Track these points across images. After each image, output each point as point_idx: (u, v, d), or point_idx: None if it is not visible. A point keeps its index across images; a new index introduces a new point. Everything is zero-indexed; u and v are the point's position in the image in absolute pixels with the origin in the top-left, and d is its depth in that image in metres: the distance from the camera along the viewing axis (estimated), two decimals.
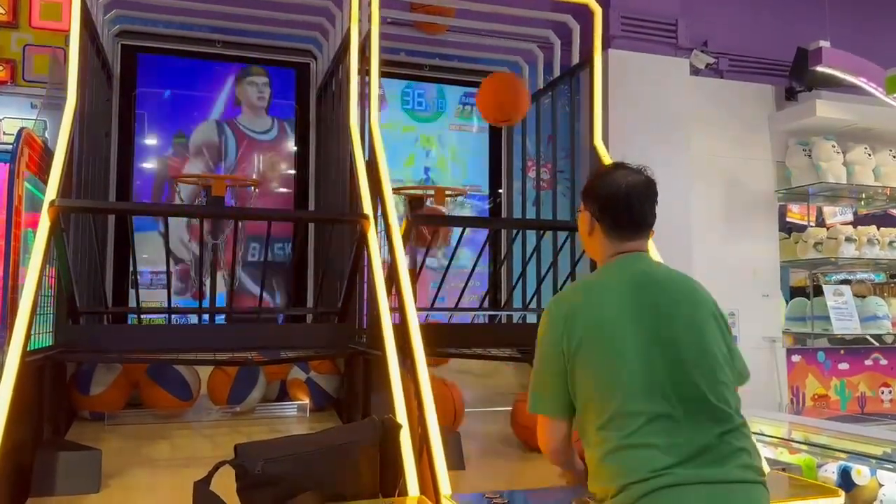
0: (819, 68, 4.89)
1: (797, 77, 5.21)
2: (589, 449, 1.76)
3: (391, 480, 2.15)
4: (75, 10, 2.88)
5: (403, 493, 2.10)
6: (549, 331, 1.83)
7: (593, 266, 3.44)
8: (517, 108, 3.86)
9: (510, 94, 3.81)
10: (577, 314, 1.80)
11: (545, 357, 1.83)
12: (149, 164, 4.24)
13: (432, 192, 4.24)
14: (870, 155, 5.33)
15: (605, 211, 1.91)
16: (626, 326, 1.76)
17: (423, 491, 2.12)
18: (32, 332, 2.28)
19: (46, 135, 3.54)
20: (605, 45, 4.15)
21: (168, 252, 2.77)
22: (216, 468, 1.87)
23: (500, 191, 4.92)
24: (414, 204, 4.21)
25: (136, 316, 3.40)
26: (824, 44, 4.87)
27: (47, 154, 2.86)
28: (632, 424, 1.67)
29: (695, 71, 5.09)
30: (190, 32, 4.30)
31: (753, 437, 2.35)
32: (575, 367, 1.77)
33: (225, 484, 1.88)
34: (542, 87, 4.45)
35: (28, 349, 2.21)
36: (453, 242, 3.88)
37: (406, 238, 3.16)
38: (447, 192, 4.28)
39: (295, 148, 4.52)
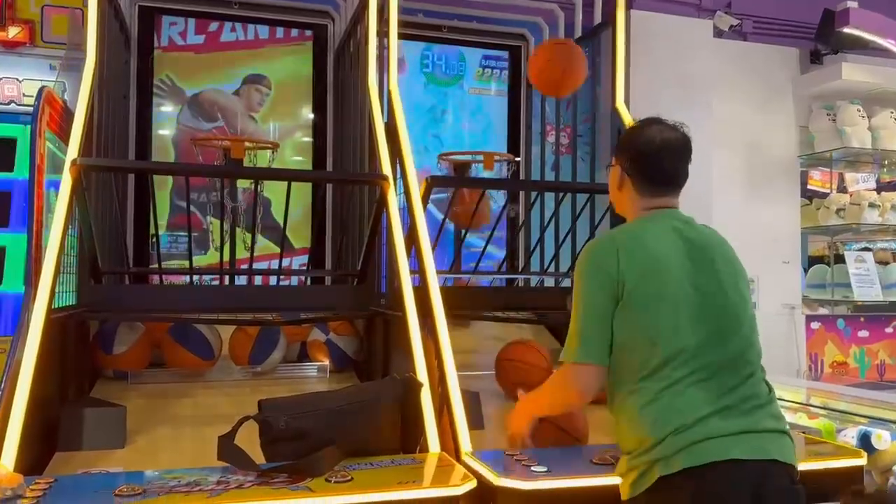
0: (846, 30, 4.78)
1: (823, 39, 5.09)
2: (627, 398, 1.73)
3: (412, 437, 2.17)
4: None
5: (424, 449, 2.11)
6: (597, 271, 1.75)
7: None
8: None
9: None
10: (629, 255, 1.74)
11: (592, 302, 1.74)
12: (165, 129, 4.24)
13: (481, 157, 4.20)
14: None
15: (636, 166, 1.87)
16: (674, 279, 1.73)
17: (443, 448, 2.14)
18: (56, 290, 2.30)
19: (66, 96, 3.54)
20: (628, 5, 4.06)
21: (189, 213, 2.78)
22: (240, 423, 1.89)
23: (518, 158, 4.87)
24: (460, 170, 4.17)
25: (157, 277, 3.43)
26: (851, 4, 4.76)
27: (67, 114, 2.86)
28: (676, 374, 1.67)
29: (718, 33, 4.99)
30: None
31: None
32: (625, 308, 1.71)
33: (248, 439, 1.90)
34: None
35: (52, 307, 2.24)
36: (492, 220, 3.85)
37: (425, 199, 3.15)
38: (496, 158, 4.24)
39: (312, 116, 4.50)
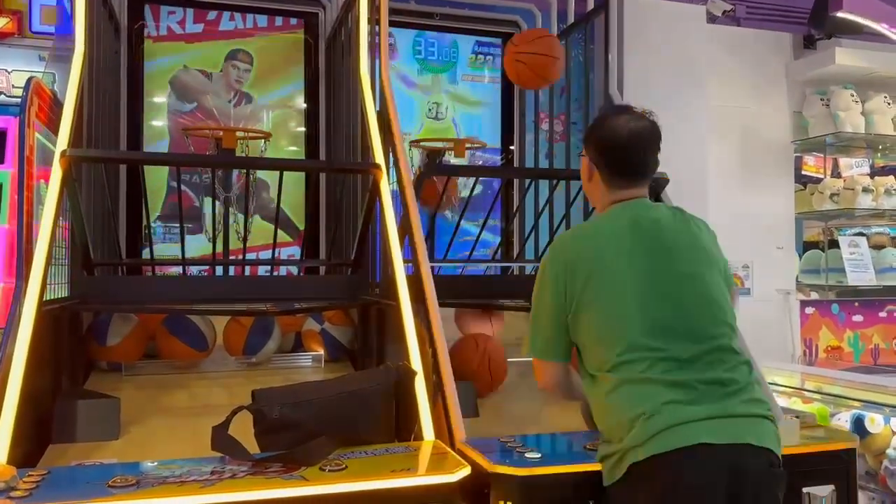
0: (839, 14, 4.77)
1: (816, 24, 5.08)
2: (595, 389, 1.76)
3: (406, 425, 2.17)
4: None
5: (419, 437, 2.12)
6: (549, 276, 1.83)
7: None
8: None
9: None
10: (578, 258, 1.80)
11: (544, 302, 1.84)
12: (158, 119, 4.21)
13: (451, 144, 4.21)
14: (889, 104, 5.23)
15: (604, 157, 1.87)
16: (627, 268, 1.76)
17: (437, 436, 2.14)
18: (48, 283, 2.29)
19: (55, 87, 3.51)
20: None
21: (181, 203, 2.77)
22: (234, 413, 1.89)
23: (512, 147, 4.87)
24: (433, 157, 4.18)
25: (150, 268, 3.42)
26: None
27: (57, 105, 2.83)
28: (639, 365, 1.68)
29: (711, 18, 4.98)
30: None
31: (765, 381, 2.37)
32: (578, 312, 1.77)
33: (242, 429, 1.90)
34: (555, 34, 4.37)
35: (44, 299, 2.23)
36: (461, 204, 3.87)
37: (418, 189, 3.14)
38: (467, 145, 4.25)
39: (305, 105, 4.47)
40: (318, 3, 4.40)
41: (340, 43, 3.89)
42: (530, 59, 3.40)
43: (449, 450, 2.03)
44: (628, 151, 1.85)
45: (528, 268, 4.21)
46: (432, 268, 3.80)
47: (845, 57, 5.01)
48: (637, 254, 1.77)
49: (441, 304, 2.54)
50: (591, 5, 3.93)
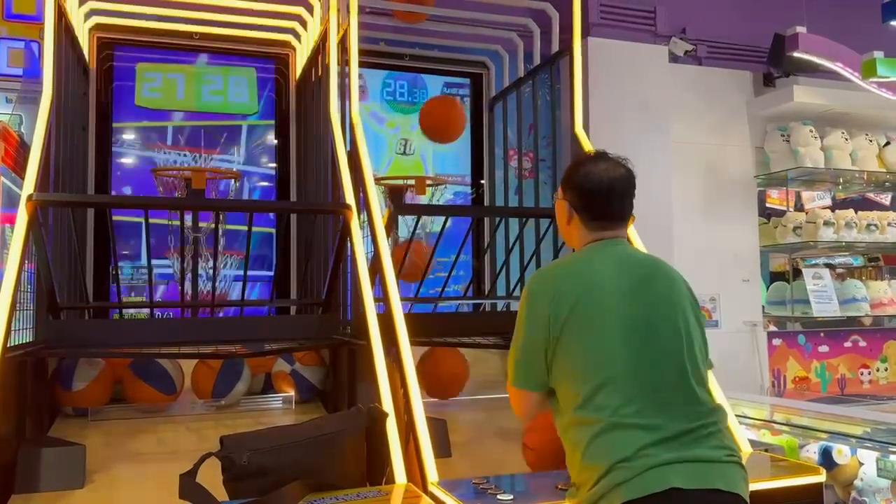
0: (796, 54, 4.92)
1: (775, 63, 5.24)
2: (566, 429, 1.75)
3: (378, 468, 2.16)
4: (49, 2, 2.84)
5: (390, 480, 2.10)
6: (531, 307, 1.82)
7: None
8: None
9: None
10: (564, 292, 1.79)
11: (525, 332, 1.83)
12: (127, 159, 4.20)
13: (412, 181, 4.23)
14: (847, 139, 5.39)
15: (584, 204, 1.91)
16: (608, 308, 1.76)
17: (409, 478, 2.13)
18: (12, 328, 2.25)
19: (22, 129, 3.49)
20: (585, 33, 4.15)
21: (149, 245, 2.75)
22: (202, 460, 1.87)
23: (483, 181, 4.93)
24: (394, 194, 4.19)
25: (117, 311, 3.38)
26: (801, 29, 4.91)
27: (24, 148, 2.82)
28: (611, 406, 1.67)
29: (674, 58, 5.10)
30: (167, 25, 4.24)
31: (734, 420, 2.40)
32: (560, 342, 1.76)
33: (211, 476, 1.87)
34: (521, 75, 4.45)
35: (8, 345, 2.19)
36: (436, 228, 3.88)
37: (388, 228, 3.16)
38: (428, 182, 4.28)
39: (275, 141, 4.50)
40: (288, 45, 4.45)
41: (311, 84, 3.93)
42: None
43: (421, 493, 2.02)
44: (608, 199, 1.90)
45: (500, 304, 4.23)
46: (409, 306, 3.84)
47: (803, 94, 5.17)
48: (618, 293, 1.78)
49: (414, 343, 2.54)
50: (556, 47, 4.02)
